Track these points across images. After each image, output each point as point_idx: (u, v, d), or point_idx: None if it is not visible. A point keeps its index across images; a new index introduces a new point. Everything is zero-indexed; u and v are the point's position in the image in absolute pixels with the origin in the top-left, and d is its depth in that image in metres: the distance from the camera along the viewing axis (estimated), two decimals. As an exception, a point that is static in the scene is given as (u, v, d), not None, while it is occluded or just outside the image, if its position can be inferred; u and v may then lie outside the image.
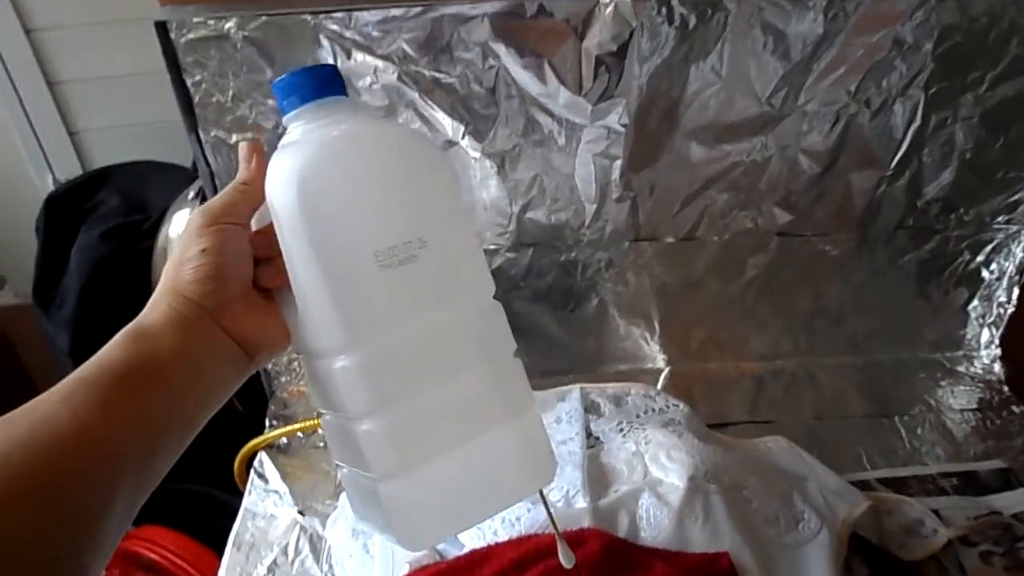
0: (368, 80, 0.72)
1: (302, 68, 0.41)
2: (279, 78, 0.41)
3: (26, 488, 0.31)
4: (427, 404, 0.40)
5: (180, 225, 0.99)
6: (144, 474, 0.36)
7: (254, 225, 0.42)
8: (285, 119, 0.41)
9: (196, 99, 0.72)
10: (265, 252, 0.40)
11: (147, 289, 1.04)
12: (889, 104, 0.74)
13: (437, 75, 0.71)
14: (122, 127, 1.33)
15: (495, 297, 0.43)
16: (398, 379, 0.39)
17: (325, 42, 0.69)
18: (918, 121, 0.75)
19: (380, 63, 0.71)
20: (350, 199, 0.39)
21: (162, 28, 0.68)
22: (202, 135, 0.74)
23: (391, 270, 0.39)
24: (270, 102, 0.73)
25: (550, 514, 0.46)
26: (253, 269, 0.41)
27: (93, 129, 1.34)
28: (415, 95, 0.73)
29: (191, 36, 0.68)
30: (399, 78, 0.71)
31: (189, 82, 0.71)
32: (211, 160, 0.76)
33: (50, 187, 1.31)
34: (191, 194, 0.98)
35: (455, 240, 0.42)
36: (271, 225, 0.40)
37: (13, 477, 0.31)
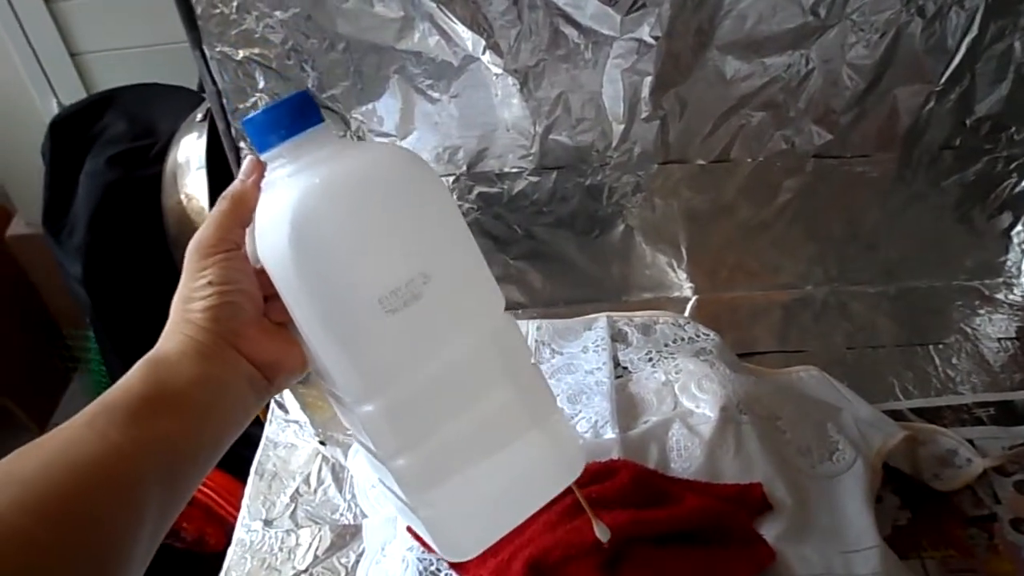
0: (382, -11, 0.67)
1: (273, 104, 0.38)
2: (249, 116, 0.38)
3: (55, 509, 0.30)
4: (455, 432, 0.39)
5: (188, 149, 0.96)
6: (169, 497, 0.35)
7: (251, 258, 0.40)
8: (263, 157, 0.39)
9: (199, 11, 0.68)
10: (271, 289, 0.39)
11: (157, 216, 1.02)
12: (944, 12, 0.69)
13: (456, -18, 0.67)
14: (125, 49, 1.28)
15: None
16: (424, 418, 0.39)
17: (335, -53, 0.65)
18: (974, 31, 0.70)
19: (395, -30, 0.66)
20: (346, 250, 0.37)
21: (160, -67, 0.64)
22: (207, 51, 0.70)
23: (397, 314, 0.37)
24: (278, 14, 0.68)
25: (583, 500, 0.46)
26: (263, 300, 0.40)
27: (95, 51, 1.29)
28: (433, 6, 0.68)
29: (191, -59, 0.64)
30: (415, -14, 0.67)
31: (191, -8, 0.67)
32: (217, 78, 0.72)
33: (54, 111, 1.28)
34: (199, 116, 0.95)
35: (457, 264, 0.40)
36: None
37: (42, 499, 0.30)
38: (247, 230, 0.40)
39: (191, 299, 0.38)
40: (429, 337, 0.39)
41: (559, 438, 0.44)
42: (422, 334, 0.38)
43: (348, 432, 0.76)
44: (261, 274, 0.39)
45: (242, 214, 0.39)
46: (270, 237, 0.37)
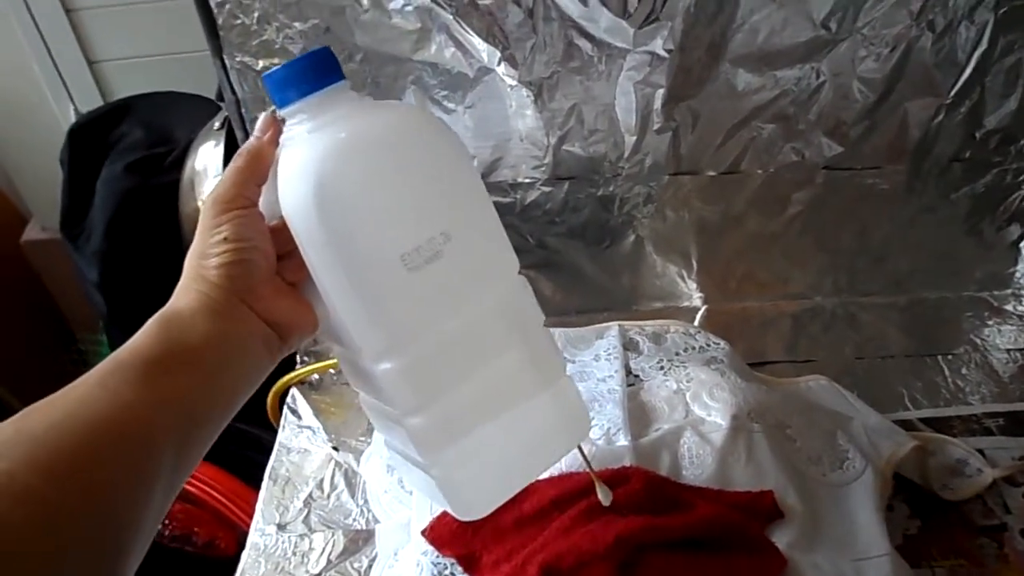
0: (400, 2, 0.68)
1: (295, 60, 0.38)
2: (270, 71, 0.38)
3: (66, 467, 0.30)
4: (469, 390, 0.40)
5: (205, 157, 0.97)
6: (181, 457, 0.35)
7: (266, 215, 0.40)
8: (282, 112, 0.39)
9: (220, 21, 0.69)
10: (284, 248, 0.39)
11: (174, 223, 1.03)
12: (954, 27, 0.70)
13: (473, -5, 0.68)
14: (143, 58, 1.30)
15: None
16: (441, 376, 0.39)
17: (354, -40, 0.66)
18: (984, 45, 0.71)
19: (413, -17, 0.67)
20: (370, 206, 0.37)
21: (184, -54, 0.65)
22: (227, 61, 0.71)
23: (419, 272, 0.38)
24: (297, 25, 0.69)
25: (586, 460, 0.47)
26: (276, 259, 0.40)
27: (113, 59, 1.31)
28: (449, 18, 0.69)
29: (214, -46, 0.65)
30: (433, -1, 0.68)
31: (213, 3, 0.68)
32: (236, 88, 0.73)
33: (72, 118, 1.29)
34: (216, 125, 0.96)
35: (476, 225, 0.40)
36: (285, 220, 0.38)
37: (53, 457, 0.30)
38: (263, 188, 0.39)
39: (206, 255, 0.38)
40: (449, 295, 0.39)
41: (568, 401, 0.44)
42: (442, 292, 0.39)
43: (360, 438, 0.77)
44: (275, 232, 0.39)
45: (258, 170, 0.39)
46: (294, 191, 0.37)
